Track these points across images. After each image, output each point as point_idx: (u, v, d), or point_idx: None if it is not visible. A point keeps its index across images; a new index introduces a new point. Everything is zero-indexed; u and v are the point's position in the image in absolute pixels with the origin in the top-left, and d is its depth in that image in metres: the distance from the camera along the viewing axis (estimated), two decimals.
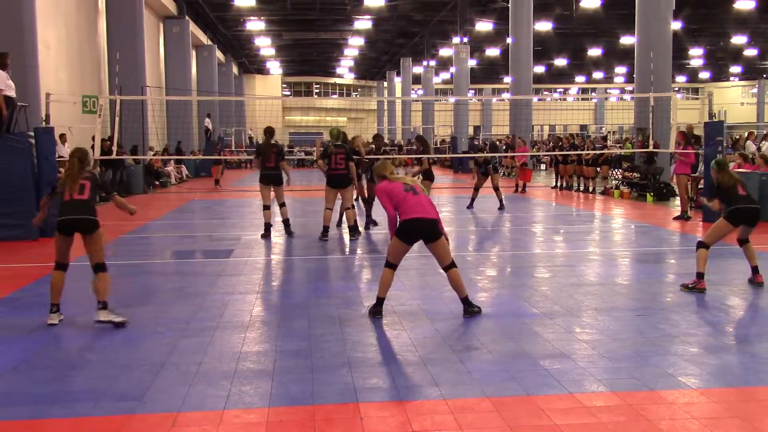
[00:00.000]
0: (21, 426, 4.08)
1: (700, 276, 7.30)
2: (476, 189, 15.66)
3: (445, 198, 19.32)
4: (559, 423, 3.99)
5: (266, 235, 11.25)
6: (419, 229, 6.18)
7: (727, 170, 7.63)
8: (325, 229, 10.94)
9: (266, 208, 11.31)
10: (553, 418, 4.05)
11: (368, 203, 12.53)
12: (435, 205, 6.40)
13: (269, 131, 11.48)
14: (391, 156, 22.23)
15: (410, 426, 3.97)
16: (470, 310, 6.34)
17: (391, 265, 6.32)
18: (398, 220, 6.26)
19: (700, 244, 7.45)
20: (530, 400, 4.32)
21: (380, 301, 6.35)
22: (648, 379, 4.66)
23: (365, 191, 12.80)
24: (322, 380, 4.69)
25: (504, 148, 26.42)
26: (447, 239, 6.40)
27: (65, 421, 4.12)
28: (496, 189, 15.43)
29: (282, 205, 11.41)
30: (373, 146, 16.32)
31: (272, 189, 11.34)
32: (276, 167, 11.26)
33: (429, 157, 13.70)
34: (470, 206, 15.54)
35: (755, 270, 7.61)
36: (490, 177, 15.59)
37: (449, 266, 6.31)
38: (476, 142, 19.00)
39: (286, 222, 11.49)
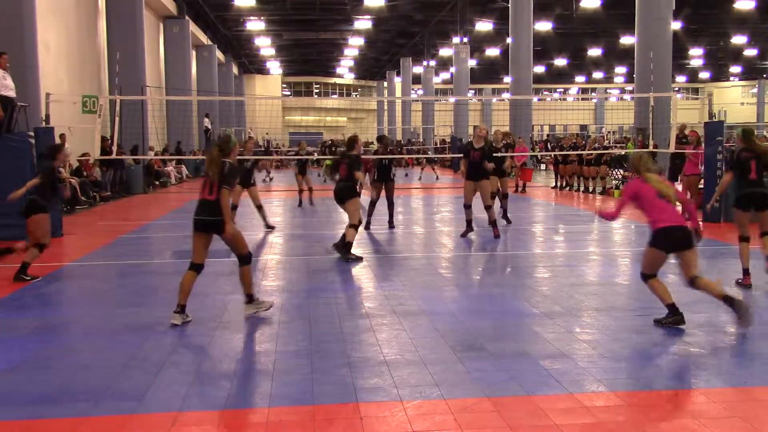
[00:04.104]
0: (21, 426, 4.08)
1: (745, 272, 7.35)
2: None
3: (445, 198, 19.31)
4: (559, 423, 3.99)
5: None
6: (675, 239, 5.77)
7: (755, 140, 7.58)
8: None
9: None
10: (553, 418, 4.05)
11: (372, 204, 12.47)
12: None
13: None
14: (399, 156, 21.89)
15: (410, 426, 3.97)
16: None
17: (651, 276, 5.93)
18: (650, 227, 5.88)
19: (743, 239, 7.40)
20: (530, 400, 4.32)
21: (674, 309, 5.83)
22: (648, 379, 4.66)
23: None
24: (322, 380, 4.69)
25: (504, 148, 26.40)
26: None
27: (65, 421, 4.11)
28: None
29: (259, 207, 12.24)
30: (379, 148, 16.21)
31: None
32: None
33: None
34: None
35: (746, 272, 7.42)
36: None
37: (694, 278, 5.82)
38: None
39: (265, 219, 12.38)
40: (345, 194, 9.55)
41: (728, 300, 5.67)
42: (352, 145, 9.96)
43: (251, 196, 12.13)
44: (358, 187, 9.97)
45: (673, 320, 5.84)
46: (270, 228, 12.28)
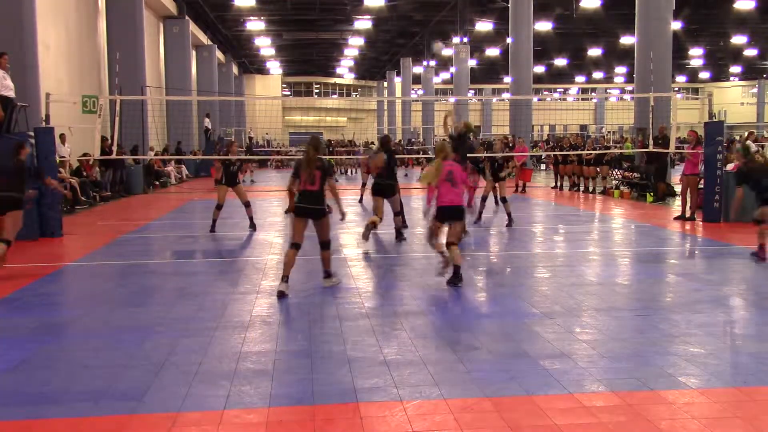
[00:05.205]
0: (21, 426, 4.08)
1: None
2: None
3: None
4: (559, 423, 3.99)
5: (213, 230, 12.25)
6: (450, 213, 7.59)
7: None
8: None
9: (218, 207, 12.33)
10: (553, 418, 4.05)
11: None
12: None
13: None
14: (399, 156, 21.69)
15: (410, 426, 3.97)
16: (454, 281, 7.41)
17: (452, 243, 7.59)
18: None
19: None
20: (530, 400, 4.32)
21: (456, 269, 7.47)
22: (648, 379, 4.66)
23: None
24: (322, 380, 4.69)
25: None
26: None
27: (65, 421, 4.11)
28: (494, 189, 15.22)
29: (246, 204, 12.29)
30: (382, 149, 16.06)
31: (232, 189, 12.32)
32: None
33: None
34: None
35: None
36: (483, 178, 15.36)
37: (450, 243, 7.60)
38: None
39: (251, 218, 12.41)
40: (388, 190, 10.79)
41: (456, 268, 7.44)
42: (387, 144, 11.30)
43: (238, 195, 12.24)
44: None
45: (455, 279, 7.43)
46: (253, 228, 12.27)
